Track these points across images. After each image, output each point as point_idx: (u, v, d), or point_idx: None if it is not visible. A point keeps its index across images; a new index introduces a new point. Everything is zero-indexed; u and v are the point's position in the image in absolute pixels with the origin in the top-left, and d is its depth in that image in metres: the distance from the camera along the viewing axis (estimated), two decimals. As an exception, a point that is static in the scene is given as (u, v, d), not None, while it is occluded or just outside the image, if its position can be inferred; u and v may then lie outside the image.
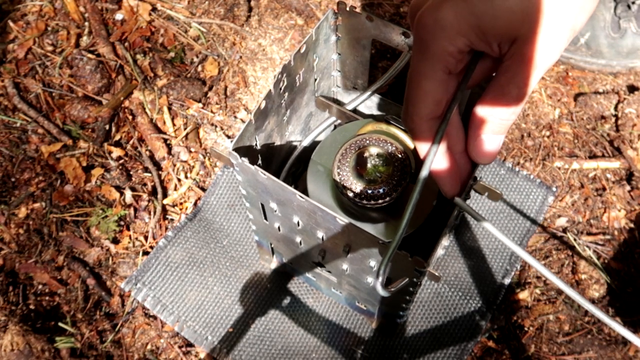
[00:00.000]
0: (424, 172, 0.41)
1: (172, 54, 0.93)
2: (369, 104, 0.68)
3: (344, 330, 0.72)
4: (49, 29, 0.95)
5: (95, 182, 0.82)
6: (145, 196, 0.81)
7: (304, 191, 0.54)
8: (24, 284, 0.75)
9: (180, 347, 0.71)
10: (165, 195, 0.81)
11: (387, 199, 0.55)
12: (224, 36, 0.94)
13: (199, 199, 0.81)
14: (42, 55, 0.92)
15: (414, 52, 0.39)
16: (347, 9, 0.57)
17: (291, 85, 0.58)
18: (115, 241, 0.78)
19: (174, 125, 0.87)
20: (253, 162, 0.50)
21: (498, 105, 0.39)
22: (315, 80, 0.64)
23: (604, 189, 0.80)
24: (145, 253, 0.77)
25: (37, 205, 0.80)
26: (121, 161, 0.84)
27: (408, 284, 0.50)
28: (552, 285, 0.74)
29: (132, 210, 0.80)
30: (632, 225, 0.78)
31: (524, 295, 0.74)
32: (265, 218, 0.60)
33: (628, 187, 0.81)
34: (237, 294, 0.74)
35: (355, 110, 0.68)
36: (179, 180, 0.82)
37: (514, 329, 0.72)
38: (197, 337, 0.71)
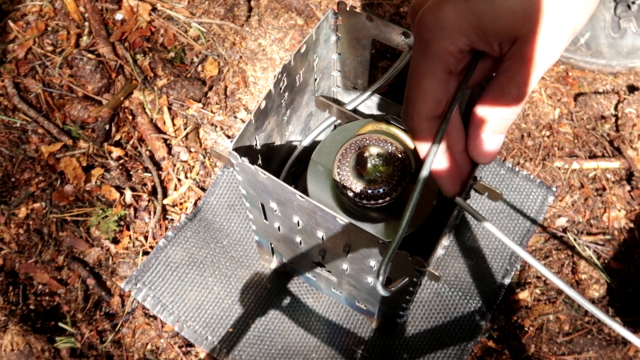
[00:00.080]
0: (424, 172, 0.41)
1: (172, 54, 0.93)
2: (369, 104, 0.68)
3: (344, 330, 0.72)
4: (49, 29, 0.95)
5: (95, 182, 0.82)
6: (145, 196, 0.81)
7: (304, 191, 0.54)
8: (24, 284, 0.75)
9: (180, 347, 0.71)
10: (165, 195, 0.81)
11: (387, 198, 0.55)
12: (224, 36, 0.94)
13: (199, 199, 0.81)
14: (42, 55, 0.92)
15: (415, 52, 0.39)
16: (347, 9, 0.57)
17: (291, 85, 0.58)
18: (115, 241, 0.78)
19: (174, 125, 0.87)
20: (253, 162, 0.50)
21: (498, 104, 0.39)
22: (315, 80, 0.64)
23: (604, 189, 0.80)
24: (145, 253, 0.77)
25: (37, 205, 0.80)
26: (121, 161, 0.84)
27: (408, 284, 0.50)
28: (552, 285, 0.74)
29: (132, 210, 0.80)
30: (632, 225, 0.78)
31: (524, 295, 0.74)
32: (265, 218, 0.60)
33: (628, 187, 0.81)
34: (237, 294, 0.74)
35: (355, 110, 0.68)
36: (179, 180, 0.82)
37: (514, 329, 0.72)
38: (197, 337, 0.71)
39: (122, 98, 0.88)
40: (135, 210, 0.80)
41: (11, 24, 0.94)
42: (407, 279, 0.49)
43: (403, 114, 0.42)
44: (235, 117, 0.87)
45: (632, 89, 0.89)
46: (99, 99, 0.88)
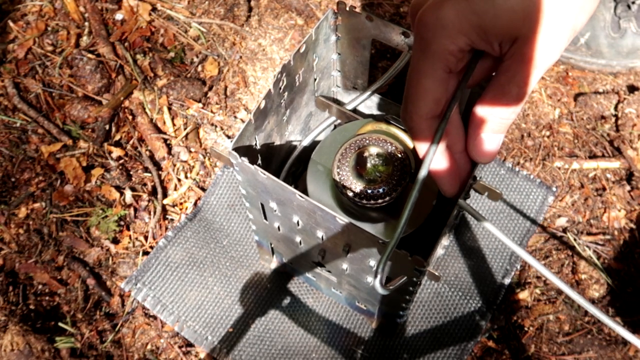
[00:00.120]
0: (422, 172, 0.41)
1: (172, 54, 0.93)
2: (369, 103, 0.68)
3: (344, 330, 0.72)
4: (49, 29, 0.95)
5: (95, 182, 0.82)
6: (145, 196, 0.81)
7: (304, 191, 0.54)
8: (24, 284, 0.75)
9: (180, 347, 0.71)
10: (165, 195, 0.81)
11: (387, 198, 0.55)
12: (224, 36, 0.94)
13: (199, 199, 0.81)
14: (42, 55, 0.92)
15: (415, 51, 0.39)
16: (347, 9, 0.57)
17: (291, 85, 0.58)
18: (115, 241, 0.78)
19: (174, 125, 0.87)
20: (253, 161, 0.50)
21: (498, 104, 0.39)
22: (315, 80, 0.64)
23: (604, 189, 0.80)
24: (145, 253, 0.77)
25: (37, 205, 0.80)
26: (121, 161, 0.84)
27: (408, 284, 0.50)
28: (552, 285, 0.74)
29: (132, 210, 0.80)
30: (632, 225, 0.78)
31: (524, 295, 0.74)
32: (265, 218, 0.60)
33: (628, 187, 0.81)
34: (237, 294, 0.74)
35: (355, 110, 0.68)
36: (179, 180, 0.82)
37: (514, 329, 0.72)
38: (197, 337, 0.71)
39: (122, 98, 0.88)
40: (135, 210, 0.80)
41: (11, 24, 0.94)
42: (405, 278, 0.49)
43: (402, 112, 0.42)
44: (235, 117, 0.87)
45: (632, 89, 0.89)
46: (99, 99, 0.88)
